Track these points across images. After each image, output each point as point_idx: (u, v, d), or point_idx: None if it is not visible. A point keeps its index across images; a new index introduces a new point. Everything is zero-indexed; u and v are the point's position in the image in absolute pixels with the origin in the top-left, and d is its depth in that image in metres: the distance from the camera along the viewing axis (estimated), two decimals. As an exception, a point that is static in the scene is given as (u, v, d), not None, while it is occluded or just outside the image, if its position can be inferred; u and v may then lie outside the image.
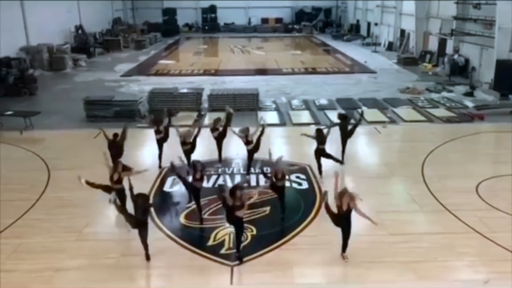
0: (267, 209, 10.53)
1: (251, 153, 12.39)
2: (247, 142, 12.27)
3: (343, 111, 14.60)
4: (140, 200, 8.45)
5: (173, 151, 12.25)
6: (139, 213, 8.40)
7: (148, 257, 8.62)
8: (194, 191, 10.17)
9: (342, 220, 8.40)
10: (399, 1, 37.75)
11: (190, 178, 10.10)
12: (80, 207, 10.67)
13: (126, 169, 9.96)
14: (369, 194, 11.50)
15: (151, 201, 9.73)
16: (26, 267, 8.48)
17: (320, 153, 12.29)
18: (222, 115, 13.97)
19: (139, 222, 8.45)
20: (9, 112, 17.88)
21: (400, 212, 10.58)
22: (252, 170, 12.55)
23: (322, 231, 9.25)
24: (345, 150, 13.32)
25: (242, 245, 8.85)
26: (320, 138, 12.17)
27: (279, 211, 10.28)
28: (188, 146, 12.27)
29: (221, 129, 13.13)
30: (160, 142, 13.12)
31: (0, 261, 8.63)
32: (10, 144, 15.34)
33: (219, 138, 13.16)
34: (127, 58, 35.99)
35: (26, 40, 29.72)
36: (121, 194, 9.59)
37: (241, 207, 8.38)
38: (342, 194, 8.28)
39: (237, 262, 8.56)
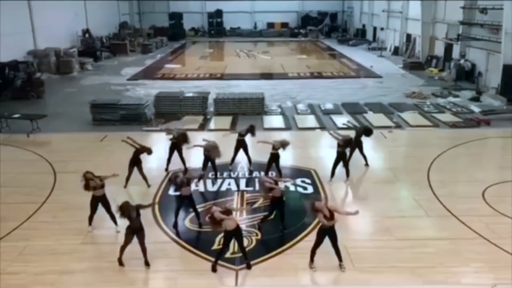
0: (272, 213, 10.49)
1: (276, 157, 12.39)
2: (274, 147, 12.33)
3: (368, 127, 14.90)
4: (125, 209, 8.32)
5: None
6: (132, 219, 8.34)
7: (147, 263, 8.59)
8: (186, 199, 10.08)
9: (330, 231, 8.31)
10: (405, 6, 37.73)
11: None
12: (86, 210, 10.62)
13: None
14: (375, 199, 11.54)
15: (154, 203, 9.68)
16: (31, 270, 8.51)
17: (340, 156, 12.28)
18: (227, 119, 14.01)
19: (137, 228, 8.44)
20: (16, 115, 18.00)
21: (406, 217, 10.54)
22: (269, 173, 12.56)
23: (327, 235, 9.21)
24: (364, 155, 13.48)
25: (247, 249, 8.86)
26: (345, 144, 12.17)
27: (284, 216, 10.25)
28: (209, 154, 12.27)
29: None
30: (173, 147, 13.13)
31: (6, 263, 8.67)
32: (17, 147, 15.45)
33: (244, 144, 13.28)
34: (133, 62, 36.17)
35: (33, 44, 29.98)
36: (104, 200, 9.78)
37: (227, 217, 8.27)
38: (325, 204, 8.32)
39: (242, 266, 8.56)
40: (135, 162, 11.97)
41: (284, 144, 12.18)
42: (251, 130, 13.15)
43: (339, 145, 12.26)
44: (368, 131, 13.63)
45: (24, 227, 10.09)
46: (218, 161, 12.56)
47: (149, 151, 11.99)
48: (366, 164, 13.47)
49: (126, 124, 17.84)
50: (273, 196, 9.96)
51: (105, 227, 10.02)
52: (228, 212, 8.35)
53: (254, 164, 13.29)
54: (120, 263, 8.57)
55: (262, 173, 12.59)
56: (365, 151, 13.56)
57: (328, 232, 8.31)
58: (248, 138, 13.31)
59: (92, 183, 9.66)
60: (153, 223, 10.10)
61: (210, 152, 12.04)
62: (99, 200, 9.80)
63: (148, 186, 12.06)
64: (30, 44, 29.70)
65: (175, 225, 10.03)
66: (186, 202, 10.09)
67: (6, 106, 20.67)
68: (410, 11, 36.98)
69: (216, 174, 12.65)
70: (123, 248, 8.53)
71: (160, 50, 44.17)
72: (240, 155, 13.33)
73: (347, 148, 12.46)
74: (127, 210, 8.29)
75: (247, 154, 13.28)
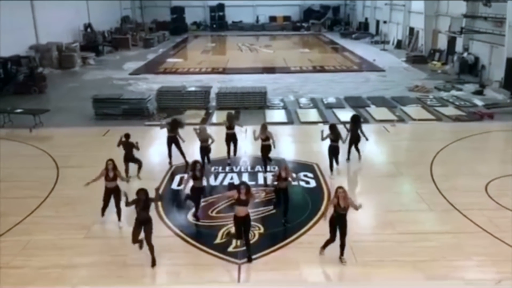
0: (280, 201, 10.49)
1: (267, 149, 12.36)
2: (265, 139, 12.28)
3: (355, 113, 14.78)
4: (141, 194, 8.39)
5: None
6: (140, 209, 8.37)
7: (154, 262, 8.50)
8: (195, 191, 10.10)
9: (339, 219, 8.37)
10: (408, -1, 37.56)
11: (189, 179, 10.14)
12: (89, 204, 10.72)
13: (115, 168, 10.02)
14: (377, 192, 11.52)
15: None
16: (35, 264, 8.54)
17: (333, 150, 12.27)
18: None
19: (144, 220, 8.43)
20: (19, 110, 18.02)
21: (409, 211, 10.53)
22: (269, 168, 12.58)
23: (330, 229, 9.22)
24: (359, 151, 13.27)
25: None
26: (335, 134, 12.15)
27: (287, 209, 10.26)
28: (206, 144, 12.33)
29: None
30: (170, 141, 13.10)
31: (9, 257, 8.70)
32: (19, 142, 15.48)
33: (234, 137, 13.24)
34: (135, 57, 36.14)
35: (35, 39, 29.97)
36: (116, 192, 9.77)
37: (243, 204, 8.42)
38: (336, 192, 8.35)
39: (244, 260, 8.58)
40: (129, 158, 12.05)
41: (264, 128, 12.17)
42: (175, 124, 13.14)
43: (331, 139, 12.19)
44: (354, 119, 13.46)
45: (27, 221, 10.12)
46: (217, 155, 12.58)
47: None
48: (359, 158, 13.30)
49: (128, 119, 17.87)
50: (278, 187, 10.00)
51: (108, 221, 10.05)
52: (242, 202, 8.41)
53: (255, 158, 13.22)
54: (140, 246, 8.58)
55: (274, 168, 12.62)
56: (368, 145, 13.52)
57: (339, 221, 8.36)
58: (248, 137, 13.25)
59: (103, 172, 9.76)
60: (156, 217, 10.08)
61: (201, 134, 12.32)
62: (111, 192, 9.82)
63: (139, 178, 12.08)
64: (32, 38, 29.68)
65: (196, 215, 10.09)
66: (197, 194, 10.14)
67: (9, 101, 20.70)
68: (413, 4, 36.80)
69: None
70: (137, 242, 8.51)
71: (162, 44, 44.09)
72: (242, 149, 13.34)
73: (339, 142, 12.32)
74: (142, 196, 8.32)
75: (235, 146, 13.28)
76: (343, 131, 12.87)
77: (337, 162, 12.48)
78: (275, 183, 10.05)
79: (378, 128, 16.73)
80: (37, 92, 22.99)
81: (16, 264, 8.53)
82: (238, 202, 8.42)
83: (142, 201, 8.36)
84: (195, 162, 10.22)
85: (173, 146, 13.07)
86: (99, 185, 10.15)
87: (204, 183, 10.28)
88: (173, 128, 12.97)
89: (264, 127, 12.35)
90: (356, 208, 8.48)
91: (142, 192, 8.39)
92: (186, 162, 12.85)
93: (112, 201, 9.90)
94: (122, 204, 9.57)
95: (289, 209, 10.07)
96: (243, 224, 8.54)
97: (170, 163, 13.19)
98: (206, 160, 12.50)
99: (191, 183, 10.13)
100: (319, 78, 26.97)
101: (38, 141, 15.46)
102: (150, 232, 8.43)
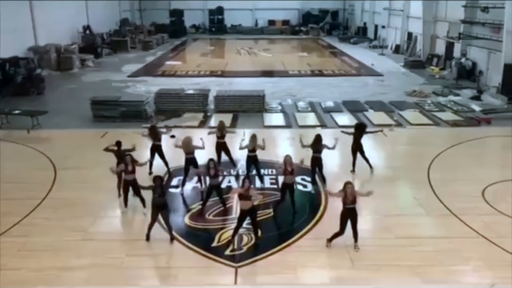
0: (272, 211, 10.52)
1: (253, 159, 12.03)
2: (252, 150, 11.94)
3: (359, 122, 14.67)
4: (158, 181, 9.17)
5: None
6: (158, 195, 9.11)
7: (172, 239, 9.25)
8: (215, 188, 10.48)
9: (350, 213, 8.81)
10: (407, 4, 37.67)
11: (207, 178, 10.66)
12: (86, 206, 10.72)
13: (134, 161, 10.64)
14: (375, 197, 11.37)
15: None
16: (31, 266, 8.52)
17: (314, 161, 11.80)
18: (228, 116, 13.94)
19: (161, 204, 9.18)
20: (17, 111, 17.98)
21: (406, 215, 10.54)
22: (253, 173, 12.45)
23: (328, 233, 9.21)
24: (367, 159, 12.87)
25: (246, 246, 9.08)
26: (316, 145, 11.65)
27: (284, 213, 10.32)
28: (192, 155, 11.75)
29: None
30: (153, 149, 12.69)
31: (6, 259, 8.68)
32: (17, 143, 15.45)
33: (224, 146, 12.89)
34: (134, 59, 36.14)
35: (34, 40, 29.94)
36: (134, 184, 10.31)
37: (246, 199, 8.88)
38: (345, 187, 8.80)
39: (243, 262, 8.60)
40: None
41: (253, 139, 11.80)
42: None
43: (313, 150, 11.67)
44: (360, 127, 13.14)
45: (24, 223, 10.10)
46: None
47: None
48: (370, 167, 12.90)
49: (126, 121, 17.87)
50: (284, 183, 10.28)
51: (105, 224, 10.05)
52: (245, 197, 8.89)
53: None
54: (147, 238, 9.26)
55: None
56: (365, 149, 13.49)
57: (349, 214, 8.85)
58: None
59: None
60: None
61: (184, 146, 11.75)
62: (130, 185, 10.38)
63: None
64: (31, 40, 29.66)
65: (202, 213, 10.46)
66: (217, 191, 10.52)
67: (7, 102, 20.68)
68: (412, 10, 36.94)
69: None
70: (150, 226, 9.25)
71: (160, 47, 44.11)
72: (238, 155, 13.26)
73: (321, 153, 11.69)
74: (157, 181, 9.16)
75: (229, 156, 12.87)
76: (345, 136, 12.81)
77: (321, 177, 11.90)
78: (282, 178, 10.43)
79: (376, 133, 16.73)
80: (35, 93, 22.96)
81: (13, 266, 8.51)
82: (239, 197, 8.95)
83: (159, 187, 9.10)
84: (210, 160, 10.42)
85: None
86: (97, 188, 10.17)
87: (220, 180, 10.76)
88: (155, 136, 12.52)
89: (253, 138, 11.87)
90: (367, 195, 9.04)
91: (158, 179, 9.20)
92: (169, 172, 12.69)
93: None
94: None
95: (288, 212, 10.19)
96: (249, 215, 9.04)
97: (150, 173, 12.30)
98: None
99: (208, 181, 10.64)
100: (318, 82, 27.01)
101: (36, 143, 15.44)
102: (167, 216, 9.33)
